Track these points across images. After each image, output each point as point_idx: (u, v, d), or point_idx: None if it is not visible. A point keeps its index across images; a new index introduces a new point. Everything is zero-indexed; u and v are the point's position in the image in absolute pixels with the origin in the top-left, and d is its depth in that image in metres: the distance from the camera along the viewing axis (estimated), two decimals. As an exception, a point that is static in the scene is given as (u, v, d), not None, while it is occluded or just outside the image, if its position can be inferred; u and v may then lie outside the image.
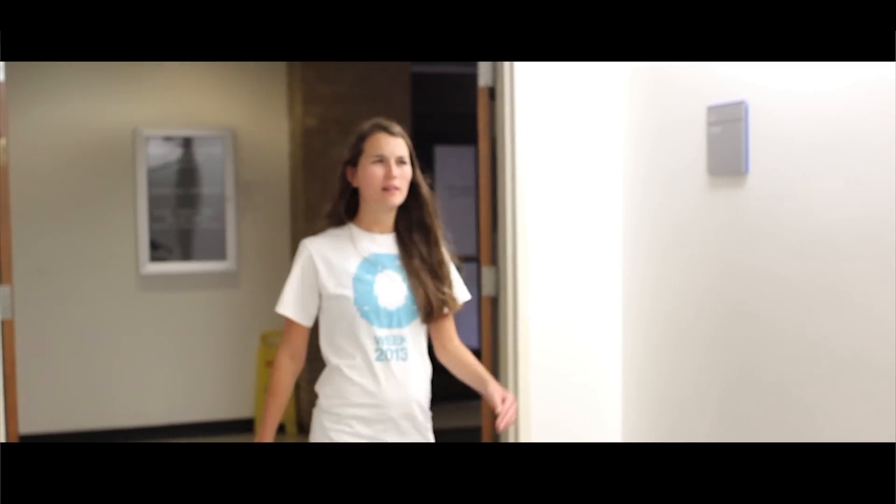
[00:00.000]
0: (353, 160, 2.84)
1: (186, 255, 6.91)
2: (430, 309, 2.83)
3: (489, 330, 3.98)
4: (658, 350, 3.83)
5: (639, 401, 3.93)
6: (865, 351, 2.86)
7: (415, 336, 2.85)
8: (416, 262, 2.84)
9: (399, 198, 2.80)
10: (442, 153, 9.48)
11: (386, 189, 2.77)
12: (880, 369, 2.80)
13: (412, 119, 6.91)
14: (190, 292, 6.90)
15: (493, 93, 3.97)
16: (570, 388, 3.94)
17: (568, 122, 3.92)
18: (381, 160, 2.79)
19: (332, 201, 2.90)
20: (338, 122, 6.70)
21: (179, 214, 6.89)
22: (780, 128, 3.17)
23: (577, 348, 3.95)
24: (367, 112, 6.68)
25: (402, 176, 2.80)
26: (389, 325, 2.80)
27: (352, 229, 2.86)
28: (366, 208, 2.84)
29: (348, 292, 2.77)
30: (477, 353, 4.15)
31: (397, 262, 2.84)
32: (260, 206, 7.00)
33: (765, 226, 3.25)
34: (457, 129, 7.76)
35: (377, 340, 2.78)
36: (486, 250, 3.97)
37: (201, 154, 6.90)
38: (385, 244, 2.86)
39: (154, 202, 6.79)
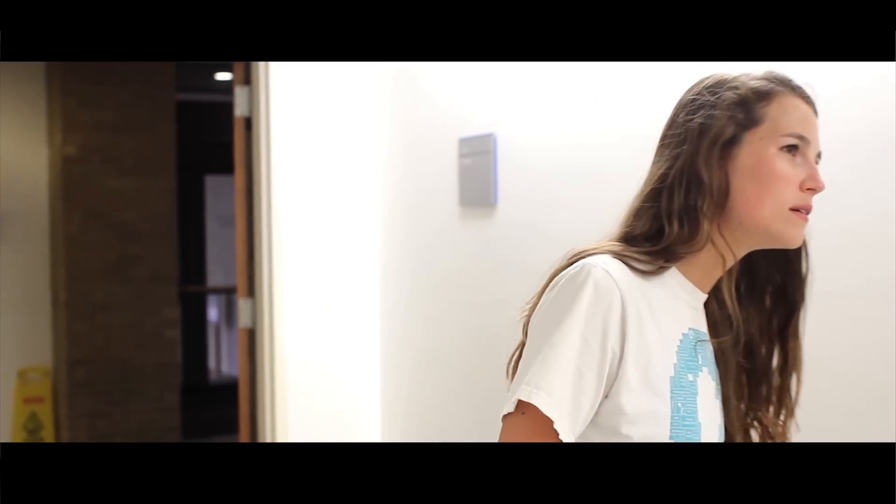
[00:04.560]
0: (736, 137, 1.49)
1: (-63, 289, 6.57)
2: None
3: (246, 362, 3.93)
4: (415, 378, 3.86)
5: (395, 427, 3.95)
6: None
7: None
8: (737, 360, 1.58)
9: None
10: (212, 183, 9.37)
11: (799, 210, 1.49)
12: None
13: (179, 148, 6.79)
14: (-58, 327, 6.57)
15: (249, 123, 3.94)
16: (328, 417, 3.93)
17: (326, 152, 3.92)
18: (799, 148, 1.49)
19: (665, 216, 1.51)
20: (99, 151, 6.53)
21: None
22: (526, 159, 3.26)
23: (334, 377, 3.94)
24: (131, 141, 6.58)
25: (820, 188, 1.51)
26: None
27: (669, 276, 1.51)
28: (724, 239, 1.51)
29: (663, 407, 1.44)
30: (236, 385, 4.10)
31: (711, 353, 1.56)
32: (18, 237, 6.73)
33: (513, 256, 3.32)
34: (225, 159, 7.71)
35: None
36: (242, 282, 3.92)
37: (-47, 182, 6.59)
38: (702, 313, 1.57)
39: None
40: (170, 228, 6.78)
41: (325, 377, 3.92)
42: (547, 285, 1.52)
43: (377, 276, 4.02)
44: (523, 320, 1.56)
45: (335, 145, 3.95)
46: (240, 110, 3.95)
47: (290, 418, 3.83)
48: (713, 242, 1.49)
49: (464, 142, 3.51)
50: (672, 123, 1.56)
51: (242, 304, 3.92)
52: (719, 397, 1.56)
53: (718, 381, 1.56)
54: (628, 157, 2.88)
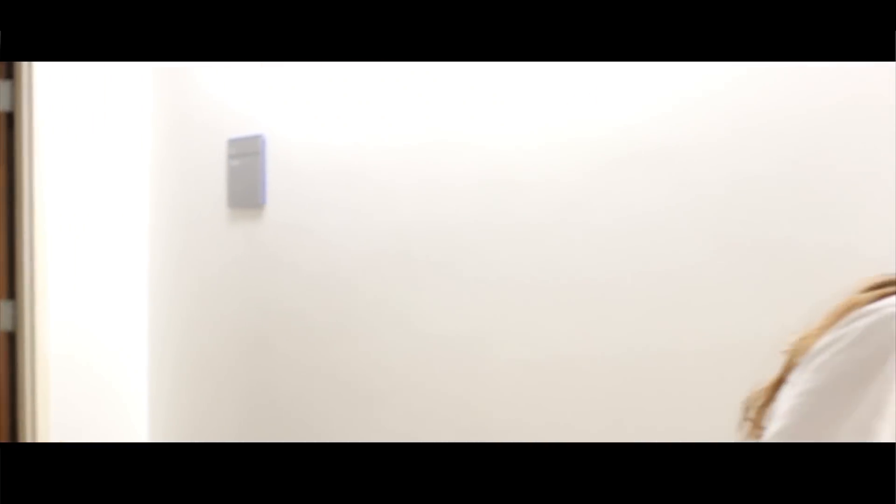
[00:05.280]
0: None
1: None
2: None
3: (6, 367, 3.80)
4: (182, 378, 3.82)
5: (161, 428, 3.90)
6: (368, 379, 2.99)
7: None
8: None
9: None
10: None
11: None
12: (386, 396, 2.95)
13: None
14: None
15: (11, 118, 3.81)
16: (94, 420, 3.85)
17: (93, 151, 3.84)
18: None
19: None
20: None
21: None
22: (294, 161, 3.27)
23: (100, 380, 3.86)
24: None
25: None
26: None
27: None
28: None
29: None
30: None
31: None
32: None
33: (281, 258, 3.33)
34: None
35: None
36: (2, 284, 3.80)
37: None
38: None
39: None
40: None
41: (91, 380, 3.84)
42: (838, 316, 1.07)
43: (145, 277, 3.96)
44: (790, 352, 1.12)
45: (103, 144, 3.87)
46: (1, 105, 3.82)
47: (51, 422, 3.74)
48: None
49: (233, 143, 3.49)
50: None
51: (3, 307, 3.79)
52: None
53: None
54: (395, 161, 2.93)
